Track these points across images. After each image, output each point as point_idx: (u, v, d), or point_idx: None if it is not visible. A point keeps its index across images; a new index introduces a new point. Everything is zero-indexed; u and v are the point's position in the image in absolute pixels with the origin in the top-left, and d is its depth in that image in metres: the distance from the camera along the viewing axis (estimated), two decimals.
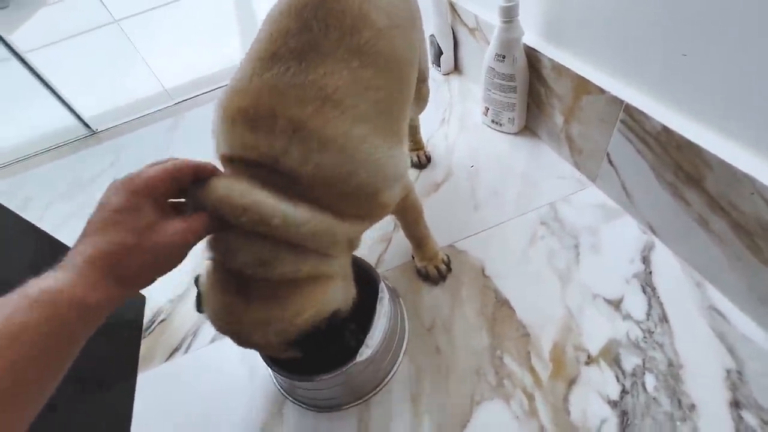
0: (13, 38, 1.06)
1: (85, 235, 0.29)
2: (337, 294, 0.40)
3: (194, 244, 0.33)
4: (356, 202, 0.39)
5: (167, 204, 0.33)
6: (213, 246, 0.37)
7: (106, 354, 0.59)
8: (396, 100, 0.43)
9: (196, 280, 0.41)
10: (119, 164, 1.04)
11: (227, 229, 0.35)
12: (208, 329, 0.62)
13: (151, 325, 0.65)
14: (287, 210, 0.34)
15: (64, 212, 0.93)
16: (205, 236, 0.34)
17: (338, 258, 0.41)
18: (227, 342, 0.59)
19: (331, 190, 0.36)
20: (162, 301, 0.69)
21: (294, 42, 0.37)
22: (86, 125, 1.17)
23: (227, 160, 0.37)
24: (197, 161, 0.35)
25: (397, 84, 0.43)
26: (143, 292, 0.70)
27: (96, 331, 0.53)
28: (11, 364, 0.23)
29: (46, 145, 1.16)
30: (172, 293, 0.69)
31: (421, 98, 0.64)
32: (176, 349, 0.61)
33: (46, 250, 0.59)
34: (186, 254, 0.32)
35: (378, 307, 0.48)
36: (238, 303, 0.36)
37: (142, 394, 0.57)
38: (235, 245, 0.35)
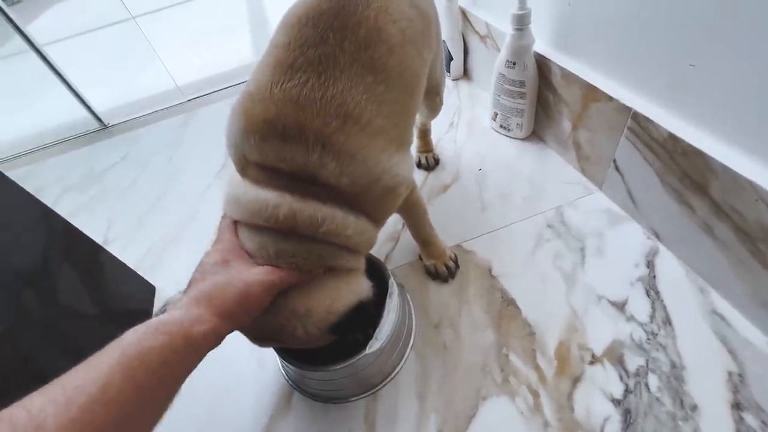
0: (30, 30, 1.08)
1: (189, 285, 0.36)
2: (363, 284, 0.44)
3: (276, 283, 0.37)
4: (381, 203, 0.42)
5: (251, 259, 0.39)
6: (255, 253, 0.39)
7: None
8: (406, 112, 0.45)
9: None
10: (130, 158, 1.05)
11: (263, 236, 0.38)
12: None
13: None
14: (350, 219, 0.39)
15: (75, 203, 0.94)
16: (285, 283, 0.38)
17: (364, 256, 0.45)
18: (235, 332, 0.60)
19: (364, 197, 0.40)
20: (171, 291, 0.70)
21: (311, 53, 0.38)
22: (98, 119, 1.19)
23: (262, 166, 0.39)
24: (228, 222, 0.42)
25: (407, 97, 0.45)
26: (153, 281, 0.71)
27: (106, 319, 0.56)
28: (141, 389, 0.27)
29: (59, 137, 1.18)
30: (182, 285, 0.70)
31: (434, 109, 0.67)
32: None
33: (59, 238, 0.60)
34: (270, 293, 0.37)
35: (387, 301, 0.49)
36: (279, 296, 0.38)
37: None
38: (289, 250, 0.38)
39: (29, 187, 0.57)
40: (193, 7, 1.59)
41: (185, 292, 0.35)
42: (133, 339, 0.29)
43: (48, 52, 1.11)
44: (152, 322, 0.31)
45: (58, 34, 1.56)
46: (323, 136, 0.36)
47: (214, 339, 0.33)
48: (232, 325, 0.35)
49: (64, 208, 0.93)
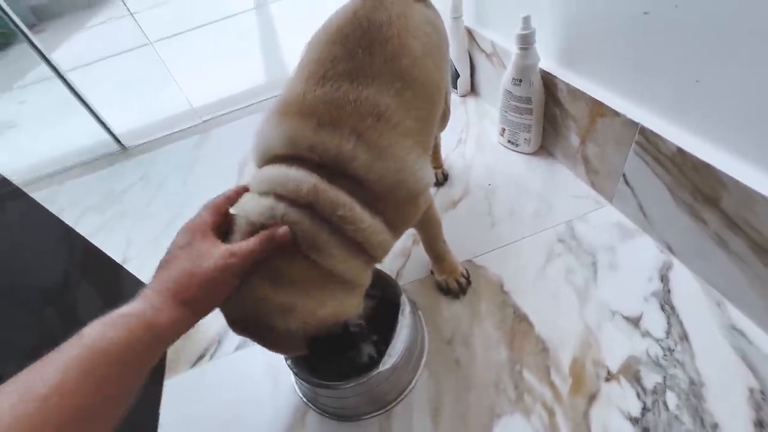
0: (54, 58, 1.13)
1: (156, 272, 0.35)
2: (354, 302, 0.42)
3: (238, 264, 0.35)
4: (402, 209, 0.43)
5: (217, 236, 0.37)
6: (263, 214, 0.38)
7: None
8: (430, 118, 0.48)
9: None
10: (148, 178, 1.08)
11: (280, 203, 0.38)
12: (233, 337, 0.64)
13: None
14: (366, 215, 0.39)
15: (95, 223, 0.97)
16: (249, 260, 0.36)
17: (378, 261, 0.44)
18: (251, 350, 0.61)
19: (387, 198, 0.41)
20: None
21: (342, 66, 0.41)
22: (118, 141, 1.23)
23: (294, 158, 0.39)
24: (227, 191, 0.42)
25: (430, 105, 0.48)
26: None
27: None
28: (101, 381, 0.27)
29: (81, 159, 1.23)
30: None
31: (443, 118, 0.67)
32: (201, 356, 0.63)
33: (80, 256, 0.62)
34: (235, 275, 0.35)
35: (400, 318, 0.49)
36: (264, 285, 0.37)
37: (168, 399, 0.59)
38: (296, 218, 0.37)
39: (51, 207, 0.59)
40: (208, 31, 1.66)
41: (153, 279, 0.34)
42: (92, 332, 0.29)
43: (71, 77, 1.16)
44: (112, 314, 0.30)
45: (80, 61, 1.63)
46: (358, 130, 0.39)
47: (181, 327, 0.33)
48: (200, 312, 0.34)
49: (85, 227, 0.96)
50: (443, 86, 0.53)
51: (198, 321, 0.34)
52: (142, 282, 0.69)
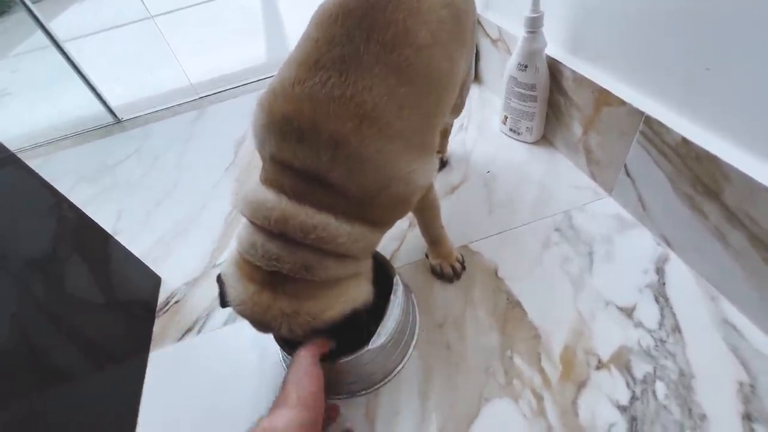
0: (51, 26, 1.10)
1: None
2: (362, 292, 0.43)
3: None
4: (389, 210, 0.42)
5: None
6: (246, 250, 0.40)
7: (120, 331, 0.60)
8: (430, 115, 0.44)
9: (219, 278, 0.44)
10: (141, 152, 1.07)
11: (257, 234, 0.39)
12: (221, 312, 0.63)
13: (165, 306, 0.67)
14: (343, 228, 0.38)
15: (87, 194, 0.96)
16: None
17: (366, 260, 0.44)
18: (239, 325, 0.60)
19: (371, 202, 0.39)
20: (177, 284, 0.70)
21: (337, 51, 0.38)
22: (113, 113, 1.21)
23: (276, 161, 0.39)
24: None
25: (433, 102, 0.44)
26: (159, 272, 0.71)
27: (111, 307, 0.56)
28: None
29: (75, 130, 1.20)
30: (187, 277, 0.70)
31: (456, 110, 0.66)
32: (189, 330, 0.62)
33: (70, 226, 0.61)
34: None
35: (392, 297, 0.48)
36: (267, 294, 0.39)
37: (153, 371, 0.58)
38: (275, 251, 0.38)
39: (43, 176, 0.57)
40: (210, 7, 1.62)
41: None
42: None
43: (68, 48, 1.13)
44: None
45: (79, 32, 1.59)
46: (337, 136, 0.36)
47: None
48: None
49: (76, 198, 0.93)
50: (456, 78, 0.48)
51: None
52: (131, 254, 0.67)
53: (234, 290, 0.41)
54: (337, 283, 0.41)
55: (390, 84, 0.38)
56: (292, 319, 0.39)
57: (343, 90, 0.36)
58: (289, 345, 0.48)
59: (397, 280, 0.50)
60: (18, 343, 0.45)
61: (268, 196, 0.38)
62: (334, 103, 0.36)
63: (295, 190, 0.38)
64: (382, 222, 0.43)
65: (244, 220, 0.42)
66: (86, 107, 1.19)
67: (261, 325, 0.41)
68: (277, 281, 0.39)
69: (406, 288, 0.58)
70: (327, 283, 0.40)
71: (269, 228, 0.38)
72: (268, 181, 0.40)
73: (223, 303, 0.42)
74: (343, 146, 0.36)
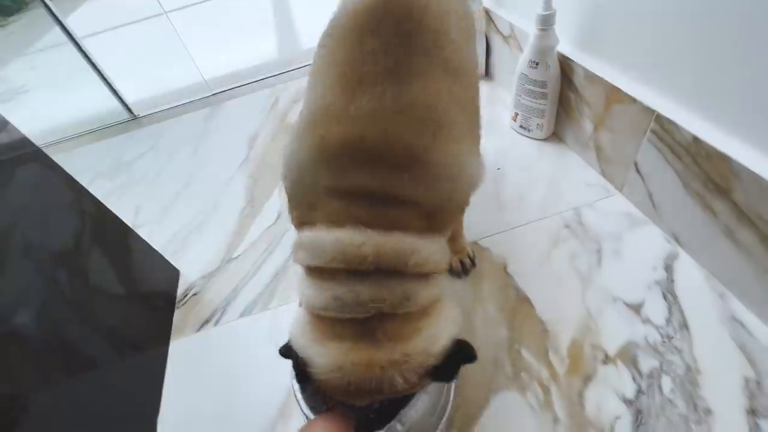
0: (68, 23, 1.13)
1: None
2: (454, 309, 0.39)
3: None
4: (455, 214, 0.42)
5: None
6: (328, 304, 0.34)
7: (142, 321, 0.63)
8: (478, 109, 0.45)
9: (284, 351, 0.38)
10: (158, 148, 1.09)
11: (339, 281, 0.34)
12: (238, 304, 0.65)
13: (184, 298, 0.69)
14: (429, 244, 0.36)
15: (105, 190, 0.98)
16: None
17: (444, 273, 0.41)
18: (256, 317, 0.63)
19: (442, 209, 0.37)
20: (194, 277, 0.72)
21: (382, 61, 0.35)
22: (129, 110, 1.23)
23: (339, 192, 0.35)
24: None
25: (477, 95, 0.44)
26: (177, 266, 0.73)
27: (133, 299, 0.57)
28: None
29: (92, 127, 1.23)
30: (204, 271, 0.73)
31: None
32: (207, 321, 0.64)
33: (91, 220, 0.63)
34: None
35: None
36: (364, 347, 0.33)
37: (173, 360, 0.61)
38: (369, 292, 0.33)
39: None
40: (223, 4, 1.64)
41: None
42: None
43: (87, 44, 1.16)
44: None
45: (94, 28, 1.62)
46: (415, 148, 0.34)
47: None
48: None
49: (94, 194, 0.97)
50: (478, 72, 0.49)
51: None
52: (151, 248, 0.70)
53: (320, 357, 0.34)
54: (432, 308, 0.37)
55: (447, 85, 0.37)
56: (405, 366, 0.33)
57: (405, 100, 0.34)
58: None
59: None
60: (47, 332, 0.48)
61: (348, 234, 0.33)
62: (401, 115, 0.34)
63: (373, 217, 0.34)
64: (447, 228, 0.40)
65: (301, 277, 0.38)
66: (103, 104, 1.22)
67: (364, 392, 0.33)
68: (371, 328, 0.33)
69: None
70: (423, 312, 0.36)
71: (363, 268, 0.33)
72: (331, 219, 0.35)
73: (303, 377, 0.35)
74: (423, 157, 0.34)
